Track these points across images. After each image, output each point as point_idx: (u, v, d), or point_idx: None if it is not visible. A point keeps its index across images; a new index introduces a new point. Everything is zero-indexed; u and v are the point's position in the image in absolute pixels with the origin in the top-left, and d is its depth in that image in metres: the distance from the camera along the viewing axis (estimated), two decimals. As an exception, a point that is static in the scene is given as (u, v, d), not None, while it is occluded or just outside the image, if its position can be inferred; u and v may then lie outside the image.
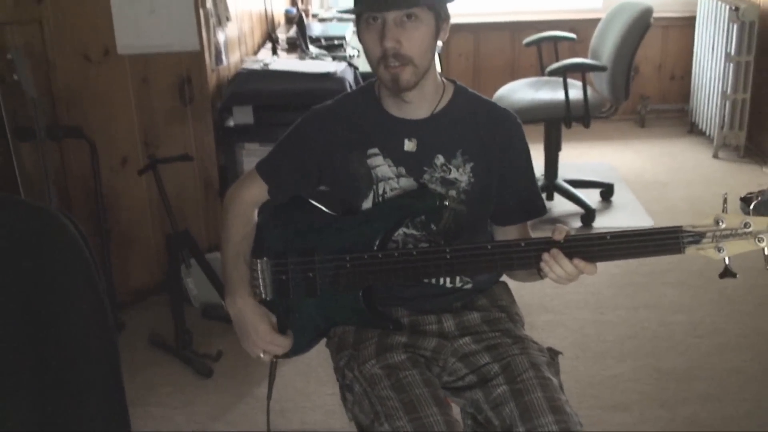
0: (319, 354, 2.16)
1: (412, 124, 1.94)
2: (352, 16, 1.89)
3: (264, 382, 3.05)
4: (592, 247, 1.70)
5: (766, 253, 1.58)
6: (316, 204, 2.01)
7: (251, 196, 2.06)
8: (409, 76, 1.83)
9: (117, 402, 1.95)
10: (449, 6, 1.88)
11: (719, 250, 1.60)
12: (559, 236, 1.71)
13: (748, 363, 3.16)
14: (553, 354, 1.95)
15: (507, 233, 2.02)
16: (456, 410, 1.92)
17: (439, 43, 1.90)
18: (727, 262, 1.61)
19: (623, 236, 1.68)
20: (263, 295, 2.00)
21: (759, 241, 1.57)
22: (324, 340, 2.10)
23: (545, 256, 1.71)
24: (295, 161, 2.02)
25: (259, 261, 2.00)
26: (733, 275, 1.61)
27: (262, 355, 2.01)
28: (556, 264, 1.70)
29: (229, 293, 2.00)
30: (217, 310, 3.49)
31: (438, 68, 1.96)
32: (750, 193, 4.32)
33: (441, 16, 1.85)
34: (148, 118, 3.46)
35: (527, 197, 2.02)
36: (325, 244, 1.94)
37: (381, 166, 1.93)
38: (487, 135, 1.95)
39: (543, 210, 2.04)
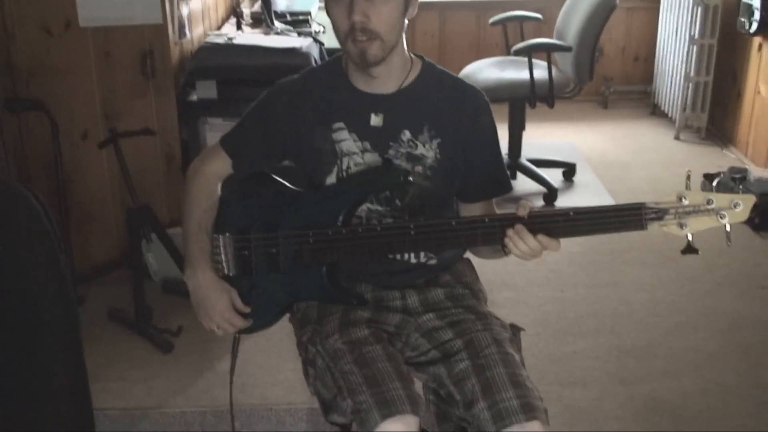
0: (282, 329, 2.16)
1: (379, 98, 1.93)
2: None
3: (225, 357, 3.04)
4: (556, 223, 1.70)
5: (727, 229, 1.59)
6: (279, 179, 2.00)
7: (214, 169, 2.04)
8: (376, 51, 1.82)
9: (78, 376, 1.94)
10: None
11: (682, 226, 1.61)
12: (523, 212, 1.71)
13: (706, 341, 3.20)
14: (515, 330, 1.96)
15: (472, 210, 2.02)
16: (418, 385, 1.92)
17: (406, 21, 1.89)
18: (689, 238, 1.62)
19: (586, 212, 1.68)
20: (226, 271, 1.99)
21: (721, 217, 1.58)
22: (287, 315, 2.10)
23: (509, 231, 1.72)
24: (260, 135, 2.01)
25: (221, 236, 1.99)
26: (695, 251, 1.62)
27: (216, 329, 2.00)
28: (519, 240, 1.71)
29: (189, 265, 1.99)
30: (178, 285, 3.45)
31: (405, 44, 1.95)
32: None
33: None
34: (110, 91, 3.41)
35: (493, 174, 2.02)
36: (289, 219, 1.93)
37: (346, 140, 1.92)
38: (454, 111, 1.94)
39: (509, 187, 2.05)
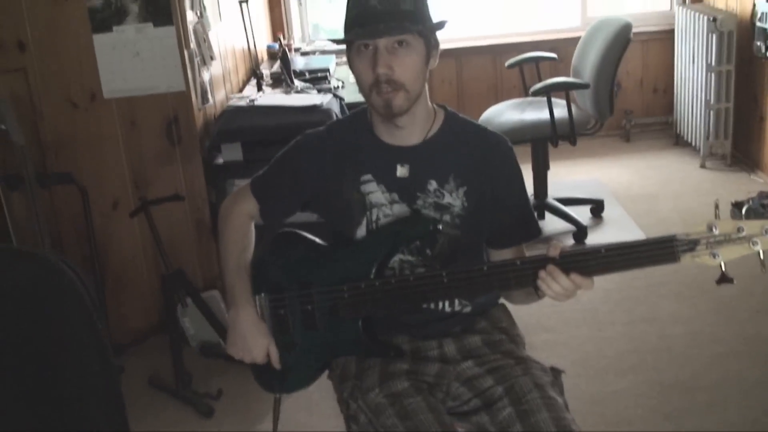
0: (321, 387, 2.15)
1: (405, 150, 1.95)
2: (336, 48, 1.92)
3: (266, 418, 3.04)
4: (588, 261, 1.70)
5: (761, 256, 1.58)
6: (308, 236, 2.02)
7: (246, 209, 2.09)
8: (401, 102, 1.84)
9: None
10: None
11: (714, 256, 1.60)
12: (554, 252, 1.71)
13: (749, 370, 3.16)
14: (556, 373, 1.95)
15: (503, 256, 2.02)
16: (463, 435, 1.91)
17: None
18: (723, 267, 1.61)
19: (618, 248, 1.68)
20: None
21: (753, 244, 1.58)
22: (326, 373, 2.10)
23: (542, 273, 1.71)
24: (286, 185, 2.05)
25: (256, 296, 2.00)
26: (730, 280, 1.61)
27: (243, 357, 1.99)
28: (553, 281, 1.71)
29: (233, 305, 1.99)
30: (215, 349, 3.47)
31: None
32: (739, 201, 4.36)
33: (431, 42, 1.89)
34: (138, 160, 3.46)
35: (521, 220, 2.02)
36: (322, 275, 1.94)
37: (374, 192, 1.94)
38: (479, 159, 1.96)
39: (537, 232, 2.05)
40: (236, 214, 2.09)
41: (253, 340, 1.96)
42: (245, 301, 1.98)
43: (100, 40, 3.30)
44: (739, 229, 1.58)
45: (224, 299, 3.41)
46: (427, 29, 1.86)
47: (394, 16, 1.79)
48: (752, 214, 3.99)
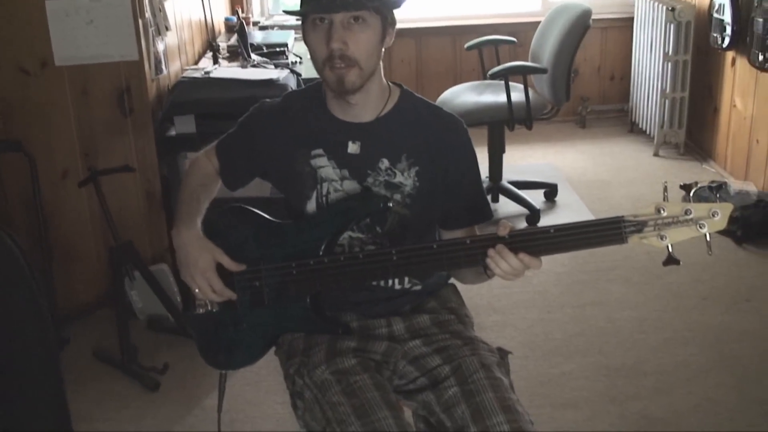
0: (268, 362, 2.14)
1: (357, 127, 1.94)
2: (294, 23, 1.89)
3: (213, 393, 3.02)
4: (537, 240, 1.70)
5: (708, 239, 1.60)
6: (257, 212, 2.00)
7: (213, 164, 2.11)
8: (354, 78, 1.82)
9: (61, 420, 1.91)
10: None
11: (662, 238, 1.61)
12: (503, 231, 1.71)
13: (694, 356, 3.20)
14: (503, 354, 1.95)
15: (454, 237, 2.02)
16: (408, 413, 1.91)
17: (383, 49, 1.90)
18: (670, 249, 1.62)
19: (566, 228, 1.69)
20: (209, 307, 1.98)
21: (700, 227, 1.59)
22: (273, 349, 2.08)
23: (491, 251, 1.71)
24: (243, 153, 2.05)
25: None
26: (677, 262, 1.62)
27: (196, 291, 1.94)
28: (501, 259, 1.71)
29: (176, 225, 1.96)
30: (163, 323, 3.44)
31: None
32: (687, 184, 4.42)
33: (388, 20, 1.87)
34: (88, 129, 3.40)
35: (474, 202, 2.02)
36: (270, 252, 1.92)
37: (325, 167, 1.93)
38: (432, 139, 1.95)
39: (489, 214, 2.05)
40: (204, 163, 2.11)
41: (197, 252, 1.90)
42: (188, 219, 1.94)
43: (52, 6, 3.22)
44: (687, 212, 1.59)
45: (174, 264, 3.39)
46: (384, 6, 1.84)
47: None
48: (700, 198, 4.04)
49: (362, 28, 1.80)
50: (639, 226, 1.63)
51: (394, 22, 1.90)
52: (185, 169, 2.15)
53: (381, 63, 1.91)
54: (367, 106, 1.93)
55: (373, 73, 1.88)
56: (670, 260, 1.63)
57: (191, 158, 2.16)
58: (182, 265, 1.94)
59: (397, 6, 1.89)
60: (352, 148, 1.93)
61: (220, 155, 2.10)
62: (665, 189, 1.65)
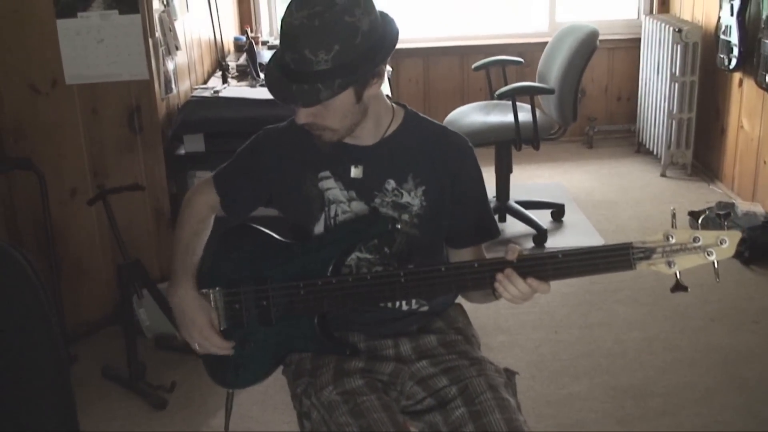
0: (276, 382, 2.14)
1: (358, 150, 1.94)
2: None
3: (219, 412, 3.01)
4: (545, 265, 1.71)
5: (715, 266, 1.60)
6: (266, 231, 2.00)
7: (208, 201, 2.09)
8: (332, 137, 1.85)
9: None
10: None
11: (670, 264, 1.62)
12: (512, 256, 1.72)
13: (702, 377, 3.19)
14: (510, 374, 1.95)
15: (461, 256, 2.02)
16: (415, 434, 1.91)
17: (389, 68, 1.90)
18: (678, 276, 1.63)
19: (575, 254, 1.69)
20: (217, 325, 1.98)
21: (708, 254, 1.59)
22: (281, 368, 2.08)
23: (499, 276, 1.72)
24: (247, 179, 2.04)
25: (211, 291, 1.98)
26: (685, 289, 1.63)
27: (197, 347, 1.98)
28: (510, 284, 1.71)
29: (172, 284, 1.99)
30: (171, 341, 3.45)
31: (388, 91, 1.97)
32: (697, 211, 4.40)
33: (363, 80, 1.77)
34: (98, 148, 3.42)
35: (480, 220, 2.02)
36: (278, 271, 1.93)
37: (332, 189, 1.94)
38: (438, 159, 1.96)
39: (496, 233, 2.05)
40: (197, 204, 2.09)
41: (193, 312, 1.94)
42: (183, 277, 1.97)
43: (64, 25, 3.26)
44: (695, 239, 1.60)
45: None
46: (351, 77, 1.72)
47: (307, 78, 1.70)
48: (709, 225, 4.03)
49: (327, 106, 1.77)
50: (647, 253, 1.63)
51: (376, 72, 1.80)
52: (182, 207, 2.11)
53: (386, 84, 1.91)
54: (367, 133, 1.93)
55: (357, 123, 1.86)
56: (678, 287, 1.64)
57: (186, 198, 2.12)
58: (180, 324, 1.98)
59: (377, 65, 1.77)
60: (355, 172, 1.93)
61: (220, 187, 2.08)
62: (673, 215, 1.66)
